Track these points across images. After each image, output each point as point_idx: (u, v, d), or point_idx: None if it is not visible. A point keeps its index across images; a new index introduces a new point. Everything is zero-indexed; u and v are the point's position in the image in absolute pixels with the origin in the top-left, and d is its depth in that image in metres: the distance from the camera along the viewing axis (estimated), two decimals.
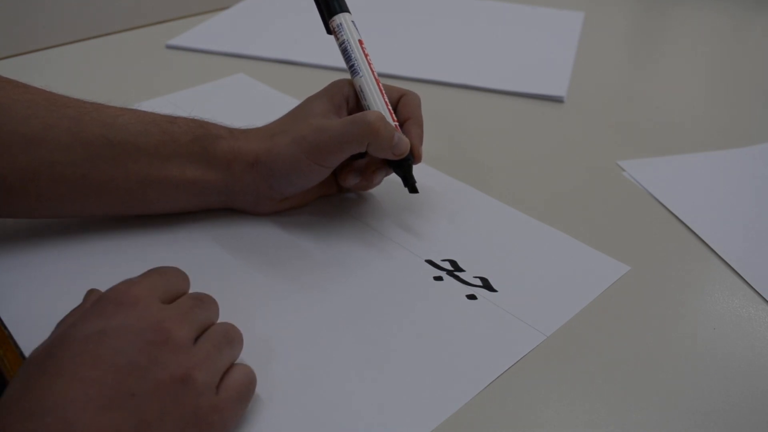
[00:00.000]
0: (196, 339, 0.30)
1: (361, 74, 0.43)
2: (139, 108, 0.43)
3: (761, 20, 0.91)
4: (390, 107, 0.43)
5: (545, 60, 0.74)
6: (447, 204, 0.47)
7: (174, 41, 0.76)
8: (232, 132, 0.43)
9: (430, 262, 0.41)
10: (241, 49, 0.74)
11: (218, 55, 0.74)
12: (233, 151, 0.41)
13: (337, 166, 0.44)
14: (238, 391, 0.30)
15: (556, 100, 0.65)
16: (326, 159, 0.40)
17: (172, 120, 0.41)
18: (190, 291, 0.34)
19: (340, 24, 0.44)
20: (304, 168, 0.41)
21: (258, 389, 0.32)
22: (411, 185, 0.43)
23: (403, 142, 0.41)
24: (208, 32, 0.80)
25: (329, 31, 0.45)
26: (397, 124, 0.43)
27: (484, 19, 0.87)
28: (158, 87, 0.64)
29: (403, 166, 0.42)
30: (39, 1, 1.50)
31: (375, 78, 0.43)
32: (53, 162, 0.38)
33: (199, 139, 0.41)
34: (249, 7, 0.89)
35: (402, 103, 0.44)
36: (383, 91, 0.43)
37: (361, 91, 0.43)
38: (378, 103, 0.42)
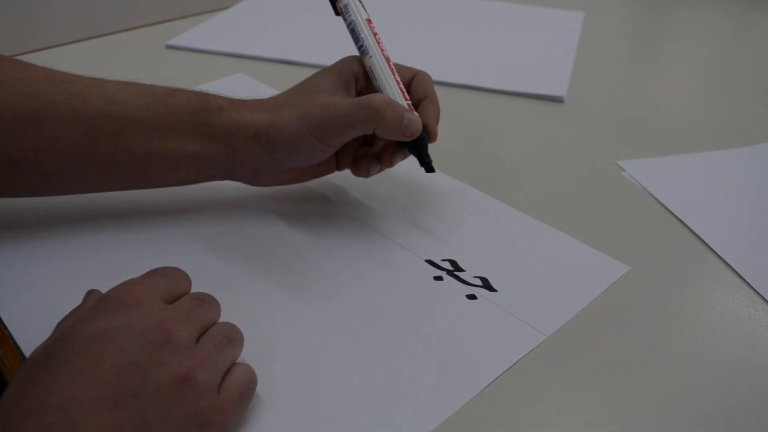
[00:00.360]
0: (198, 339, 0.30)
1: (370, 54, 0.42)
2: None
3: (761, 20, 0.91)
4: (402, 86, 0.42)
5: (545, 60, 0.74)
6: (447, 204, 0.47)
7: (174, 41, 0.76)
8: (233, 103, 0.42)
9: (430, 262, 0.41)
10: (241, 49, 0.74)
11: (218, 55, 0.74)
12: (234, 122, 0.41)
13: (350, 153, 0.44)
14: (240, 391, 0.30)
15: (556, 100, 0.65)
16: (331, 139, 0.40)
17: (171, 93, 0.41)
18: (192, 290, 0.34)
19: (347, 4, 0.43)
20: (307, 145, 0.40)
21: (258, 389, 0.32)
22: (427, 164, 0.42)
23: (414, 123, 0.40)
24: (208, 32, 0.80)
25: (337, 12, 0.44)
26: (410, 103, 0.42)
27: (484, 19, 0.87)
28: None
29: (417, 146, 0.41)
30: (39, 1, 1.50)
31: (385, 57, 0.42)
32: (55, 138, 0.38)
33: (199, 112, 0.41)
34: (249, 7, 0.89)
35: (415, 83, 0.44)
36: (395, 71, 0.42)
37: (372, 71, 0.42)
38: (389, 84, 0.42)
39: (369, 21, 0.43)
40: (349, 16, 0.43)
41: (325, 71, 0.43)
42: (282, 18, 0.85)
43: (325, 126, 0.39)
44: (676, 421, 0.32)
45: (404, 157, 0.44)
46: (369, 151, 0.44)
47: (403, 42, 0.78)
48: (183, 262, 0.37)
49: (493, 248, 0.43)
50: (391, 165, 0.43)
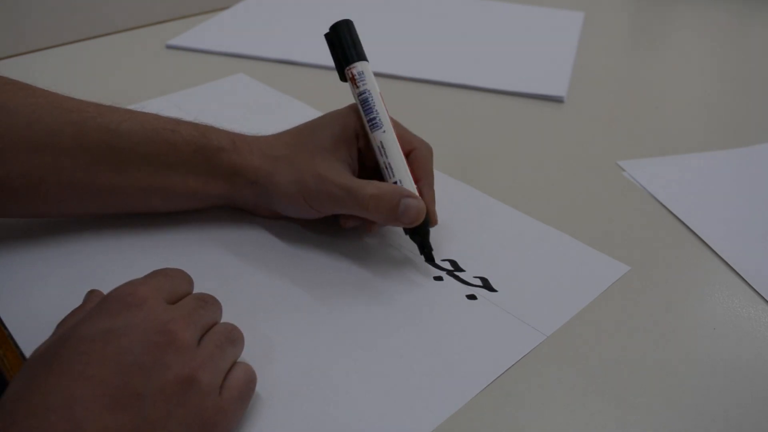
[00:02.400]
0: (200, 339, 0.30)
1: (383, 129, 0.40)
2: (141, 108, 0.42)
3: (761, 20, 0.91)
4: (406, 164, 0.40)
5: (545, 60, 0.74)
6: (447, 204, 0.47)
7: (174, 41, 0.76)
8: (235, 143, 0.42)
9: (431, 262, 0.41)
10: (241, 49, 0.74)
11: (218, 55, 0.74)
12: (234, 165, 0.41)
13: None
14: (240, 390, 0.30)
15: (556, 100, 0.65)
16: (323, 209, 0.40)
17: (175, 128, 0.41)
18: (194, 291, 0.34)
19: (362, 72, 0.41)
20: (300, 207, 0.41)
21: (258, 388, 0.32)
22: (426, 254, 0.40)
23: (412, 211, 0.38)
24: (208, 32, 0.80)
25: (343, 78, 0.42)
26: (414, 187, 0.40)
27: (484, 19, 0.87)
28: (158, 87, 0.64)
29: (419, 233, 0.40)
30: (39, 1, 1.50)
31: (395, 134, 0.41)
32: (58, 167, 0.38)
33: (201, 150, 0.41)
34: (249, 7, 0.89)
35: (412, 159, 0.42)
36: (400, 149, 0.41)
37: (382, 147, 0.40)
38: (398, 168, 0.40)
39: (380, 94, 0.41)
40: (363, 85, 0.41)
41: (328, 122, 0.42)
42: (282, 18, 0.85)
43: (317, 199, 0.40)
44: (676, 421, 0.32)
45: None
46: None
47: (403, 42, 0.78)
48: (184, 262, 0.37)
49: (493, 248, 0.43)
50: (375, 227, 0.42)
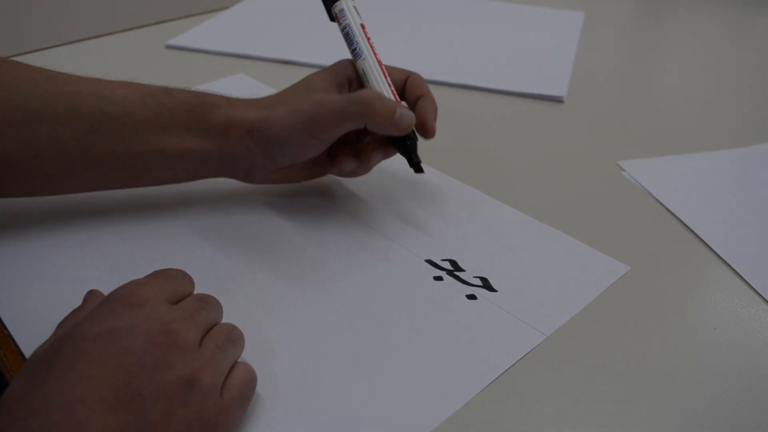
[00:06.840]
0: (201, 339, 0.30)
1: (363, 57, 0.44)
2: None
3: (761, 20, 0.91)
4: (392, 87, 0.43)
5: (545, 60, 0.74)
6: (447, 204, 0.47)
7: (174, 41, 0.76)
8: (229, 100, 0.43)
9: (430, 262, 0.41)
10: (241, 49, 0.74)
11: (218, 55, 0.74)
12: (229, 118, 0.42)
13: (335, 148, 0.44)
14: (241, 391, 0.30)
15: (556, 100, 0.65)
16: (322, 132, 0.40)
17: (168, 91, 0.42)
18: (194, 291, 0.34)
19: (342, 9, 0.44)
20: (299, 139, 0.41)
21: (259, 388, 0.32)
22: (416, 164, 0.42)
23: (407, 117, 0.40)
24: (208, 32, 0.80)
25: (332, 17, 0.46)
26: (403, 102, 0.43)
27: (484, 19, 0.87)
28: None
29: (407, 145, 0.42)
30: (39, 1, 1.50)
31: (377, 60, 0.44)
32: (55, 138, 0.39)
33: (196, 109, 0.41)
34: (249, 7, 0.89)
35: (410, 83, 0.45)
36: (386, 73, 0.44)
37: (364, 73, 0.43)
38: (380, 84, 0.43)
39: (363, 26, 0.44)
40: (344, 20, 0.44)
41: (319, 72, 0.44)
42: (282, 18, 0.85)
43: (317, 120, 0.40)
44: (675, 421, 0.32)
45: (384, 157, 0.44)
46: (351, 147, 0.44)
47: (403, 42, 0.78)
48: (183, 260, 0.37)
49: (493, 248, 0.43)
50: (368, 162, 0.43)
